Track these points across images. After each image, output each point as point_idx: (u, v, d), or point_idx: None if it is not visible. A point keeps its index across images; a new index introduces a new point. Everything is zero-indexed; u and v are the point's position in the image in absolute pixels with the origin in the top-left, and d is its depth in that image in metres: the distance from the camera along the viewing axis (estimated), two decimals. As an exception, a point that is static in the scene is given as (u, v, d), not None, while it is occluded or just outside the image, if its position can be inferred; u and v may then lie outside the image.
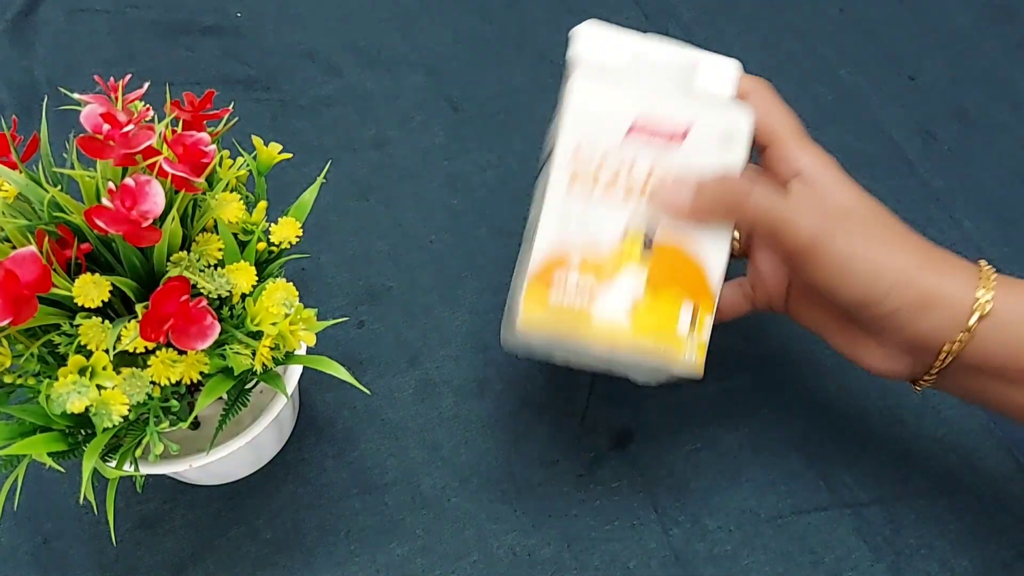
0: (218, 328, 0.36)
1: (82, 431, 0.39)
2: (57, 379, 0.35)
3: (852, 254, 0.40)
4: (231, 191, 0.41)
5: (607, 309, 0.41)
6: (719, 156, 0.43)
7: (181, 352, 0.37)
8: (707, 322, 0.42)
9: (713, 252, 0.43)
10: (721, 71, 0.46)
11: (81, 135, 0.36)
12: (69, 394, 0.35)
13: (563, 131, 0.43)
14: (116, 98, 0.40)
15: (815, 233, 0.40)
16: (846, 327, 0.44)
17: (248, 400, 0.42)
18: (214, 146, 0.38)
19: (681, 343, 0.41)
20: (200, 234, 0.39)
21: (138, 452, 0.39)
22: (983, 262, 0.41)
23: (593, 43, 0.46)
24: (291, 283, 0.39)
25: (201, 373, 0.37)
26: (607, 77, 0.44)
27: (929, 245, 0.42)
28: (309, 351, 0.46)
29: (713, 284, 0.42)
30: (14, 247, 0.36)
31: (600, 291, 0.42)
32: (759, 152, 0.45)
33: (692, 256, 0.43)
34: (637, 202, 0.42)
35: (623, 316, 0.41)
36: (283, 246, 0.41)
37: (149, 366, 0.36)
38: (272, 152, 0.44)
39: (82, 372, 0.35)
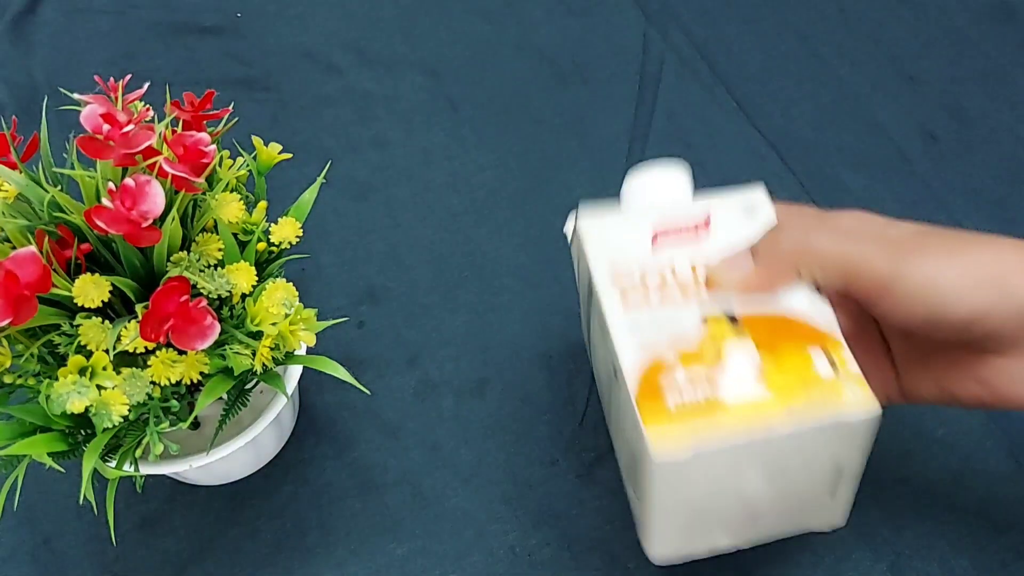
0: (218, 328, 0.36)
1: (82, 431, 0.39)
2: (57, 379, 0.35)
3: (940, 265, 0.36)
4: (231, 191, 0.41)
5: (735, 388, 0.35)
6: (751, 226, 0.40)
7: (181, 352, 0.37)
8: (845, 356, 0.36)
9: (806, 304, 0.38)
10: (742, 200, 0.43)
11: (81, 135, 0.36)
12: (69, 394, 0.35)
13: (592, 265, 0.40)
14: (116, 98, 0.40)
15: (892, 257, 0.36)
16: (977, 372, 0.38)
17: (248, 400, 0.42)
18: (214, 146, 0.38)
19: (835, 385, 0.35)
20: (200, 234, 0.39)
21: (138, 452, 0.39)
22: None
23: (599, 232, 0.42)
24: (291, 283, 0.39)
25: (201, 373, 0.37)
26: (607, 215, 0.42)
27: (1002, 237, 0.37)
28: (309, 351, 0.46)
29: (824, 327, 0.37)
30: (14, 247, 0.36)
31: (716, 374, 0.36)
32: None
33: (787, 315, 0.38)
34: (698, 295, 0.38)
35: (756, 387, 0.35)
36: (283, 246, 0.41)
37: (149, 366, 0.36)
38: (272, 152, 0.44)
39: (82, 372, 0.35)
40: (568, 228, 0.44)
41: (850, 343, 0.39)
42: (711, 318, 0.37)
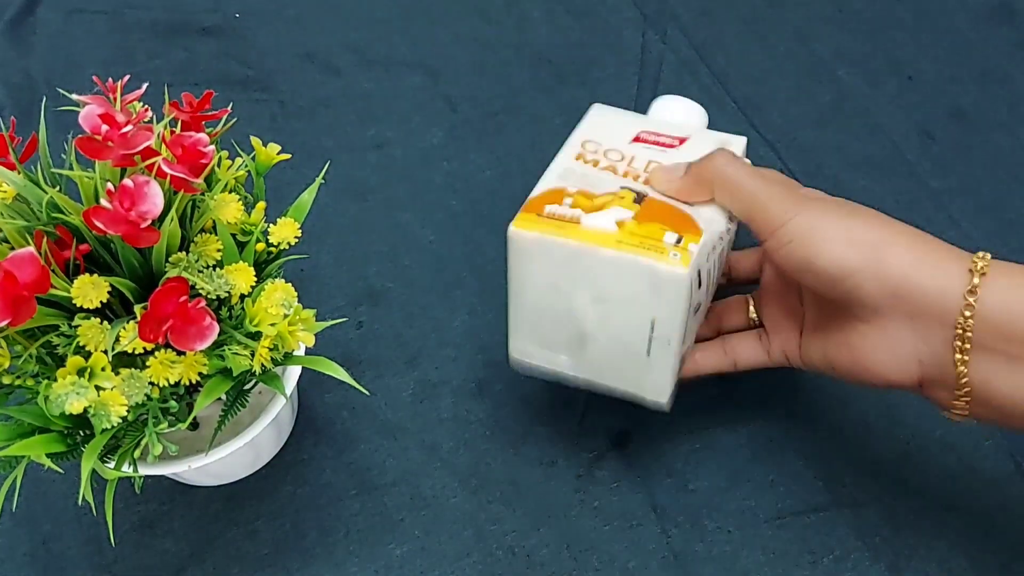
0: (217, 329, 0.36)
1: (81, 432, 0.39)
2: (56, 380, 0.35)
3: (825, 221, 0.41)
4: (230, 192, 0.41)
5: (596, 221, 0.43)
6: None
7: (180, 353, 0.37)
8: (691, 247, 0.42)
9: (703, 213, 0.44)
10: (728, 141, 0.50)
11: (80, 136, 0.36)
12: (68, 395, 0.35)
13: (574, 133, 0.49)
14: (115, 99, 0.40)
15: (789, 206, 0.41)
16: (848, 337, 0.42)
17: (247, 401, 0.42)
18: (213, 147, 0.38)
19: (666, 249, 0.41)
20: (199, 235, 0.39)
21: (137, 453, 0.39)
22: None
23: (601, 118, 0.51)
24: (290, 284, 0.39)
25: (200, 374, 0.37)
26: (619, 112, 0.52)
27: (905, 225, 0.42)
28: (308, 352, 0.46)
29: (701, 226, 0.43)
30: (13, 248, 0.36)
31: (590, 214, 0.43)
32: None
33: (682, 209, 0.44)
34: (632, 179, 0.46)
35: (611, 225, 0.42)
36: (282, 247, 0.41)
37: (148, 367, 0.36)
38: (271, 153, 0.44)
39: (81, 373, 0.35)
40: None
41: (769, 296, 0.49)
42: (624, 189, 0.45)
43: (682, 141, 0.48)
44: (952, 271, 0.39)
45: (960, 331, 0.38)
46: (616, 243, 0.41)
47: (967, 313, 0.38)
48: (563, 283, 0.43)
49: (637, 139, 0.48)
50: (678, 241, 0.42)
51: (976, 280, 0.38)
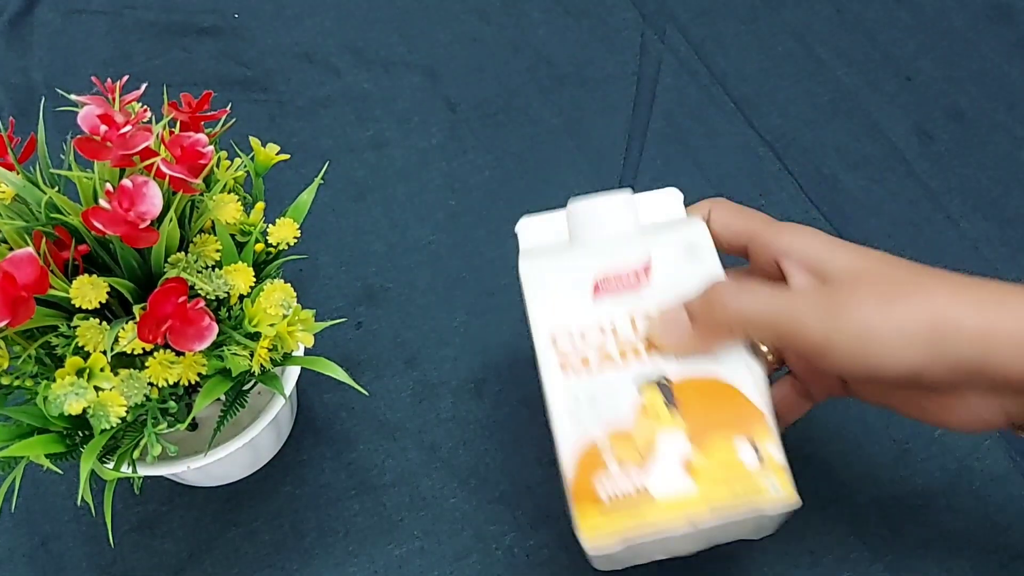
0: (216, 329, 0.36)
1: (80, 433, 0.39)
2: (55, 380, 0.35)
3: (872, 322, 0.35)
4: (229, 192, 0.41)
5: (665, 485, 0.37)
6: (693, 273, 0.40)
7: (179, 353, 0.37)
8: (770, 448, 0.37)
9: (739, 369, 0.38)
10: (661, 201, 0.44)
11: (78, 136, 0.36)
12: (67, 395, 0.35)
13: (533, 322, 0.41)
14: (113, 99, 0.40)
15: (824, 316, 0.36)
16: (919, 401, 0.39)
17: (246, 401, 0.42)
18: (211, 147, 0.38)
19: (758, 480, 0.36)
20: (198, 235, 0.39)
21: (136, 454, 0.39)
22: None
23: (530, 232, 0.44)
24: (289, 284, 0.39)
25: (199, 374, 0.37)
26: (551, 252, 0.43)
27: (952, 274, 0.36)
28: (307, 352, 0.46)
29: (756, 402, 0.38)
30: (11, 248, 0.36)
31: (647, 466, 0.37)
32: (743, 255, 0.42)
33: (719, 380, 0.38)
34: (636, 357, 0.39)
35: (685, 483, 0.36)
36: (281, 247, 0.41)
37: (147, 367, 0.36)
38: (270, 153, 0.44)
39: (80, 373, 0.35)
40: (519, 232, 0.45)
41: (802, 374, 0.43)
42: (646, 388, 0.38)
43: (646, 268, 0.41)
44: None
45: None
46: (707, 505, 0.36)
47: None
48: (657, 551, 0.38)
49: (598, 290, 0.41)
50: (756, 452, 0.37)
51: None
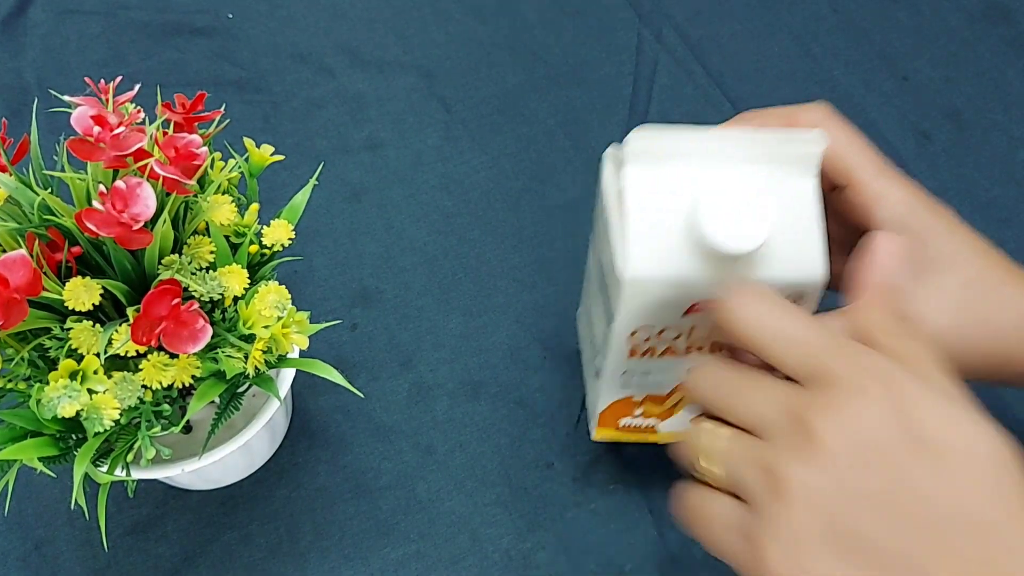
0: (210, 331, 0.36)
1: (73, 436, 0.38)
2: (48, 383, 0.35)
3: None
4: (223, 193, 0.41)
5: (672, 427, 0.45)
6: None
7: (173, 356, 0.36)
8: None
9: None
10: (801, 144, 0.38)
11: (72, 137, 0.36)
12: (60, 398, 0.34)
13: (619, 315, 0.38)
14: (107, 100, 0.39)
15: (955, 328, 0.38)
16: None
17: (240, 404, 0.42)
18: (205, 148, 0.38)
19: None
20: (192, 237, 0.39)
21: (130, 457, 0.39)
22: None
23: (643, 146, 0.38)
24: (283, 286, 0.39)
25: (193, 377, 0.37)
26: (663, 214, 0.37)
27: None
28: (302, 354, 0.46)
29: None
30: (4, 250, 0.36)
31: (664, 421, 0.45)
32: (833, 193, 0.40)
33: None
34: (701, 353, 0.41)
35: (686, 426, 0.43)
36: (275, 248, 0.41)
37: (141, 370, 0.36)
38: (264, 154, 0.44)
39: (73, 376, 0.35)
40: (607, 159, 0.40)
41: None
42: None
43: None
44: None
45: None
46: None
47: None
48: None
49: (693, 310, 0.38)
50: None
51: None
